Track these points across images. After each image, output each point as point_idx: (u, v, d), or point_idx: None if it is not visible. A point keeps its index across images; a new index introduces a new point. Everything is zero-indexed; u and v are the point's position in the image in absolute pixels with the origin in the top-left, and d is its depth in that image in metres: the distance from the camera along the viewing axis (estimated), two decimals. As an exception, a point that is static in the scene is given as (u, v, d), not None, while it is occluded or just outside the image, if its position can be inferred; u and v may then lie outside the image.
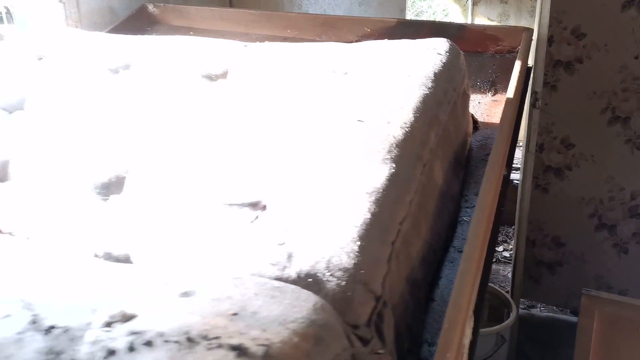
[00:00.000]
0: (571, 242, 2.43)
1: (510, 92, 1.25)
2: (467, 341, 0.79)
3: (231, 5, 2.82)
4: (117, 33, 1.89)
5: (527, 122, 1.91)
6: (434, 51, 1.15)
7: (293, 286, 0.62)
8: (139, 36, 1.40)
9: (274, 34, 1.89)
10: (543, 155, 2.39)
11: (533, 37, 2.01)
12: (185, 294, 0.55)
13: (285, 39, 1.81)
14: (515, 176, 2.49)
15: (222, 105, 1.08)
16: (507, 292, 2.45)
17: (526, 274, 2.51)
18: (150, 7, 2.12)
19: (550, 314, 2.57)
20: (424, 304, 0.83)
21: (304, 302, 0.56)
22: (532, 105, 1.75)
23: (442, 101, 1.05)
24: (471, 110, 1.39)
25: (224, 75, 1.18)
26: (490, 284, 2.21)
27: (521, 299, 2.48)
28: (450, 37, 1.50)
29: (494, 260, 3.13)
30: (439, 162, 0.99)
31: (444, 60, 1.13)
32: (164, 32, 2.01)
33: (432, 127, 0.99)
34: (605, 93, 2.22)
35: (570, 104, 2.31)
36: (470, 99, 1.42)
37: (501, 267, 2.93)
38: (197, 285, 0.56)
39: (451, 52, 1.17)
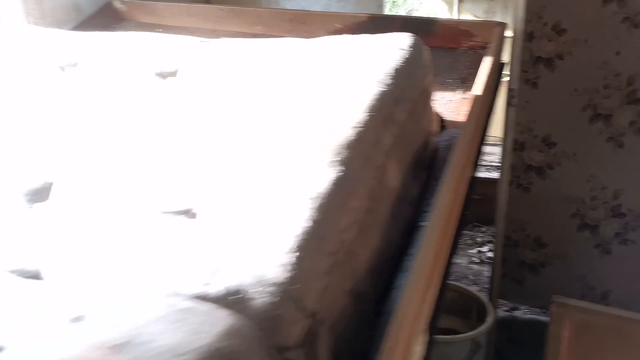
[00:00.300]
0: (553, 242, 2.38)
1: (477, 89, 1.19)
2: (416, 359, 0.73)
3: (208, 1, 2.75)
4: (82, 30, 1.82)
5: (504, 120, 1.84)
6: (394, 46, 1.08)
7: (207, 306, 0.55)
8: (90, 32, 1.33)
9: (243, 30, 1.83)
10: (524, 154, 2.34)
11: (510, 33, 1.96)
12: (76, 319, 0.49)
13: (254, 36, 1.74)
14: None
15: (168, 104, 1.01)
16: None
17: (508, 275, 2.46)
18: (117, 4, 2.05)
19: (534, 316, 2.51)
20: (372, 319, 0.77)
21: (211, 327, 0.49)
22: (508, 103, 1.69)
23: (400, 99, 0.99)
24: (441, 108, 1.33)
25: (173, 73, 1.11)
26: (469, 287, 2.17)
27: (504, 301, 2.44)
28: (422, 32, 1.43)
29: (477, 261, 3.09)
30: (395, 164, 0.93)
31: (406, 56, 1.07)
32: (131, 29, 1.94)
33: (388, 126, 0.93)
34: (587, 90, 2.17)
35: (551, 101, 2.26)
36: (441, 96, 1.36)
37: (485, 269, 2.88)
38: (90, 309, 0.49)
39: (414, 47, 1.11)
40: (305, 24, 1.67)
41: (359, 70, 1.02)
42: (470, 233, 3.22)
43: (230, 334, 0.53)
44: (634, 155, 2.13)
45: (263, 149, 0.86)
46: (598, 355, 1.14)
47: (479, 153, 1.21)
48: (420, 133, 1.05)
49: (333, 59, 1.07)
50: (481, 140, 1.22)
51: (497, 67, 1.41)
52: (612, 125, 2.15)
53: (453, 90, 1.39)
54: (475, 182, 1.18)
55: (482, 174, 3.20)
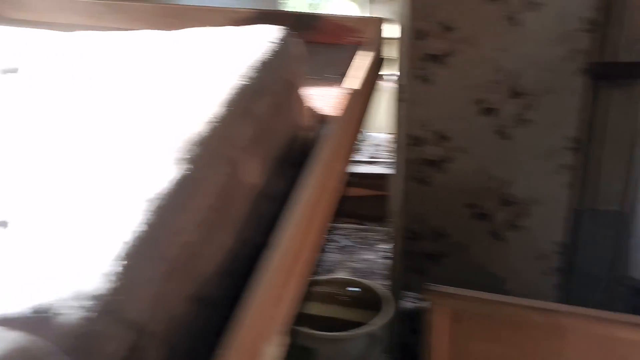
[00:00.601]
0: (452, 233, 2.47)
1: (350, 82, 1.18)
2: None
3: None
4: None
5: (396, 115, 1.86)
6: (260, 38, 1.05)
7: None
8: None
9: (121, 26, 1.71)
10: (421, 149, 2.42)
11: (397, 30, 2.00)
12: None
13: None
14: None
15: (2, 103, 0.90)
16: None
17: (411, 267, 2.53)
18: (-21, -3, 1.85)
19: (439, 305, 2.59)
20: (220, 325, 0.72)
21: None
22: (398, 99, 1.71)
23: (262, 92, 0.95)
24: (320, 103, 1.31)
25: (14, 70, 1.00)
26: (380, 281, 2.19)
27: (410, 292, 2.49)
28: (305, 27, 1.40)
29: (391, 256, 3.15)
30: (255, 160, 0.89)
31: (272, 48, 1.03)
32: (-3, 26, 1.75)
33: (245, 120, 0.89)
34: (476, 85, 2.27)
35: (444, 97, 2.35)
36: (320, 91, 1.34)
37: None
38: None
39: (281, 39, 1.07)
40: (186, 20, 1.59)
41: (220, 62, 0.97)
42: (381, 228, 3.28)
43: (12, 358, 0.45)
44: (520, 146, 2.27)
45: (102, 149, 0.78)
46: (475, 341, 1.17)
47: (353, 147, 1.20)
48: (287, 128, 1.02)
49: (194, 52, 1.01)
50: (356, 133, 1.21)
51: (376, 62, 1.42)
52: (500, 118, 2.28)
53: (333, 85, 1.38)
54: (352, 176, 1.17)
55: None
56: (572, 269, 2.25)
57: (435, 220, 2.52)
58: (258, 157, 0.90)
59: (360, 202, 3.61)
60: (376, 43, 1.42)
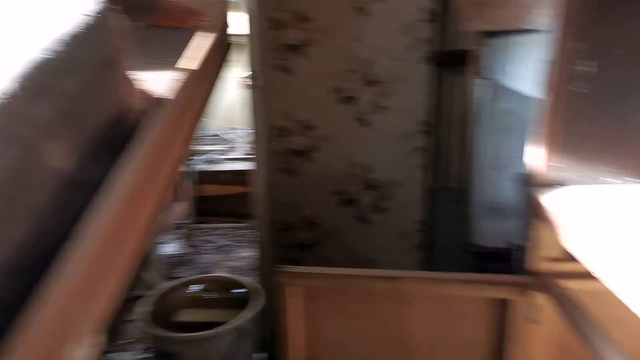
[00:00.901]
0: (323, 220, 2.52)
1: (187, 64, 1.12)
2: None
3: None
4: None
5: (252, 105, 1.83)
6: (73, 11, 0.94)
7: None
8: None
9: None
10: (287, 139, 2.43)
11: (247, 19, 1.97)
12: None
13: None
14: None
15: None
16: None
17: (286, 258, 2.54)
18: None
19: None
20: (9, 327, 0.62)
21: None
22: (252, 86, 1.67)
23: (72, 69, 0.85)
24: (156, 86, 1.23)
25: None
26: (238, 276, 2.14)
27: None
28: (144, 9, 1.29)
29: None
30: (61, 142, 0.79)
31: (86, 22, 0.93)
32: None
33: (48, 98, 0.78)
34: (334, 75, 2.33)
35: (306, 87, 2.38)
36: (158, 75, 1.26)
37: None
38: None
39: (100, 13, 0.97)
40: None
41: (22, 34, 0.85)
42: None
43: None
44: (377, 132, 2.38)
45: None
46: (329, 318, 1.19)
47: (192, 132, 1.14)
48: (107, 108, 0.93)
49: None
50: (196, 118, 1.15)
51: (219, 46, 1.37)
52: (358, 106, 2.37)
53: (170, 68, 1.30)
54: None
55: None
56: (431, 244, 2.41)
57: (307, 210, 2.55)
58: (65, 139, 0.80)
59: (237, 200, 3.54)
60: (219, 26, 1.38)
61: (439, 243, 2.36)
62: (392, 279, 1.17)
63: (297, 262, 2.49)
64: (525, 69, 1.24)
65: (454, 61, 2.13)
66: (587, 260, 0.93)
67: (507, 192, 1.77)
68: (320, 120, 2.40)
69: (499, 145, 1.81)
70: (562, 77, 1.00)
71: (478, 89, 1.83)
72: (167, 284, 2.05)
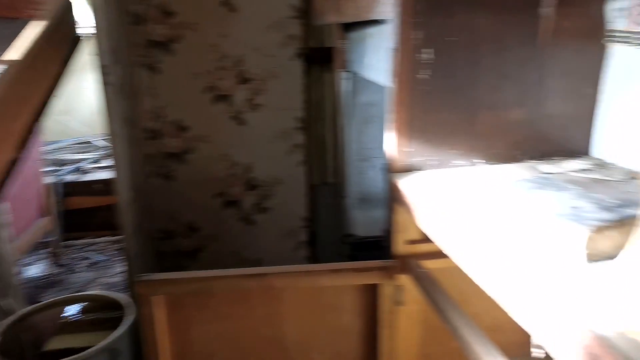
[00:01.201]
0: (205, 225, 2.42)
1: (10, 55, 0.98)
2: None
3: None
4: None
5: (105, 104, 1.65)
6: None
7: None
8: None
9: None
10: (160, 142, 2.29)
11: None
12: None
13: None
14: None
15: None
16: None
17: (168, 267, 2.40)
18: None
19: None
20: None
21: None
22: (103, 82, 1.52)
23: None
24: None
25: None
26: (110, 292, 1.97)
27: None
28: None
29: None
30: None
31: None
32: None
33: None
34: (205, 73, 2.24)
35: (176, 86, 2.25)
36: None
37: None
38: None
39: None
40: None
41: None
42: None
43: None
44: (255, 131, 2.33)
45: None
46: (198, 324, 1.12)
47: (27, 133, 1.01)
48: None
49: None
50: (36, 114, 1.02)
51: (61, 39, 1.23)
52: (233, 105, 2.30)
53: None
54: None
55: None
56: (315, 239, 2.43)
57: (187, 215, 2.43)
58: None
59: (112, 211, 3.28)
60: (59, 17, 1.24)
61: (322, 237, 2.38)
62: (259, 276, 1.13)
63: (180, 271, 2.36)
64: (378, 60, 1.28)
65: (322, 58, 2.15)
66: (439, 239, 0.97)
67: (375, 181, 1.83)
68: (194, 120, 2.30)
69: (363, 136, 1.87)
70: (405, 64, 1.04)
71: (343, 83, 1.87)
72: (24, 310, 1.82)
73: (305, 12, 2.17)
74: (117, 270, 2.95)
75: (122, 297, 1.90)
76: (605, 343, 0.56)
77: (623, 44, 1.07)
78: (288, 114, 2.32)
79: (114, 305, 1.91)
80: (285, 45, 2.22)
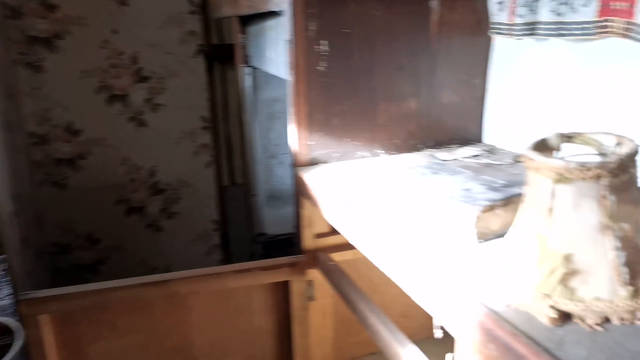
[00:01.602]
0: (106, 235, 2.25)
1: None
2: None
3: None
4: None
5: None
6: None
7: None
8: None
9: None
10: (48, 148, 2.09)
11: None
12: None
13: None
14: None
15: None
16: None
17: (67, 283, 2.19)
18: None
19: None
20: None
21: None
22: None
23: None
24: None
25: None
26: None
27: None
28: None
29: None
30: None
31: None
32: None
33: None
34: (96, 71, 2.06)
35: (63, 85, 2.06)
36: None
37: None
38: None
39: None
40: None
41: None
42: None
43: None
44: (156, 132, 2.20)
45: None
46: (95, 342, 1.03)
47: None
48: None
49: None
50: None
51: None
52: (130, 105, 2.15)
53: None
54: None
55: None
56: (228, 242, 2.36)
57: (85, 226, 2.23)
58: None
59: None
60: None
61: (235, 239, 2.32)
62: (161, 283, 1.06)
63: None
64: (277, 53, 1.25)
65: (224, 54, 2.09)
66: (344, 231, 0.97)
67: (283, 178, 1.81)
68: (86, 122, 2.12)
69: (269, 133, 1.84)
70: (301, 57, 1.02)
71: (246, 80, 1.83)
72: None
73: (203, 7, 2.09)
74: (6, 292, 2.66)
75: (11, 321, 1.71)
76: (497, 317, 0.58)
77: (505, 35, 1.13)
78: (192, 113, 2.22)
79: (4, 330, 1.71)
80: (184, 41, 2.12)
